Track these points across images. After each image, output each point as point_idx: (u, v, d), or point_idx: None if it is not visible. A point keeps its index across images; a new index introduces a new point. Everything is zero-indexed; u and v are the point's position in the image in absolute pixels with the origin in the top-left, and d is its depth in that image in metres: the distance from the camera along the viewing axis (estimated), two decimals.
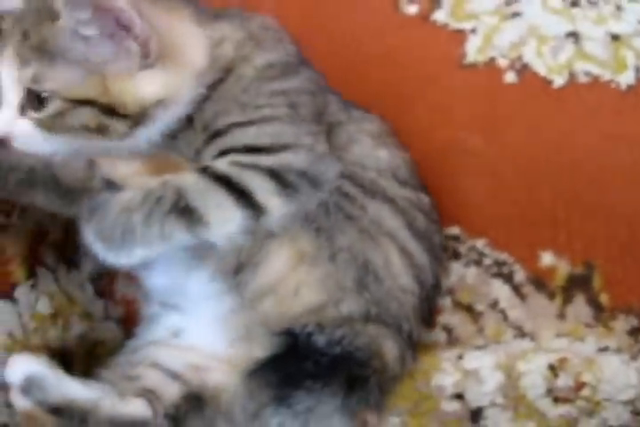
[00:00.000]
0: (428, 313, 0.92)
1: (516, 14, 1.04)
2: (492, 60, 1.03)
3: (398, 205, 0.87)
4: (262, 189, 0.77)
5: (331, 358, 0.80)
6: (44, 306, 0.92)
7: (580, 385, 0.87)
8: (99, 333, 1.00)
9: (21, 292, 0.89)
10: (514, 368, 0.89)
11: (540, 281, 0.99)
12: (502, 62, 1.03)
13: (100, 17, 0.72)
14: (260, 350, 0.82)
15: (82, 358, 0.96)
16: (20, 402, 0.82)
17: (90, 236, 0.76)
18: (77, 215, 0.78)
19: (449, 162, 1.03)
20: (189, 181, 0.77)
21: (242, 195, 0.76)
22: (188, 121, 0.80)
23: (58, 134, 0.76)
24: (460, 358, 0.91)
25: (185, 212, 0.75)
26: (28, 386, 0.81)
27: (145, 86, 0.76)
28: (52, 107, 0.75)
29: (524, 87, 1.02)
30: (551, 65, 1.02)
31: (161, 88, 0.77)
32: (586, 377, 0.87)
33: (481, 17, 1.04)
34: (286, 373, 0.81)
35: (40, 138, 0.76)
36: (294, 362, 0.81)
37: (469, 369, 0.89)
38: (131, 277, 0.98)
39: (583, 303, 0.98)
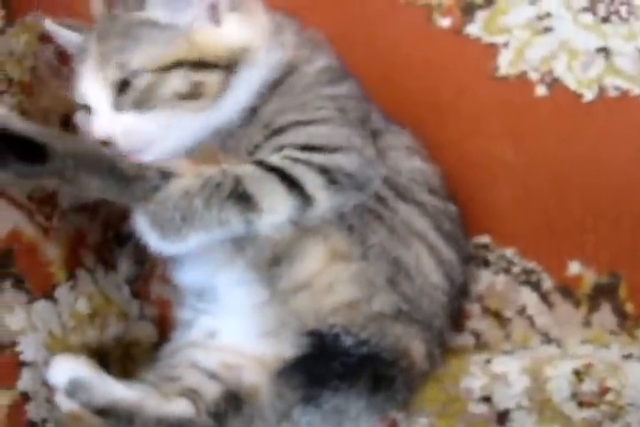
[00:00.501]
0: (456, 313, 0.93)
1: (547, 29, 1.04)
2: (524, 73, 1.04)
3: (427, 209, 0.89)
4: (312, 183, 0.80)
5: (357, 358, 0.81)
6: (82, 306, 0.94)
7: (604, 390, 0.87)
8: (134, 333, 1.01)
9: (61, 292, 0.91)
10: (540, 373, 0.89)
11: (567, 289, 0.99)
12: (533, 76, 1.04)
13: None
14: (288, 349, 0.83)
15: (118, 358, 0.97)
16: (66, 404, 0.83)
17: (144, 222, 0.78)
18: (131, 203, 0.80)
19: (480, 172, 1.03)
20: (247, 170, 0.80)
21: (293, 186, 0.79)
22: (252, 116, 0.84)
23: (152, 110, 0.80)
24: (488, 362, 0.92)
25: (242, 198, 0.78)
26: (73, 389, 0.82)
27: (230, 33, 0.82)
28: (142, 82, 0.80)
29: (554, 101, 1.03)
30: (581, 79, 1.02)
31: (243, 36, 0.83)
32: (610, 383, 0.87)
33: (513, 31, 1.05)
34: (314, 373, 0.81)
35: (137, 127, 0.81)
36: (322, 362, 0.81)
37: (497, 373, 0.90)
38: (165, 278, 1.00)
39: (609, 312, 0.97)
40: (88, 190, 0.81)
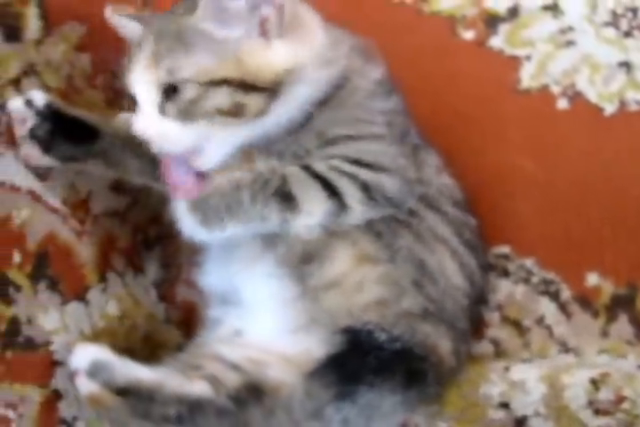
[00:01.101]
0: (476, 318, 0.95)
1: (570, 43, 1.05)
2: (546, 86, 1.05)
3: (450, 218, 0.91)
4: (352, 196, 0.83)
5: (391, 353, 0.83)
6: (112, 308, 0.96)
7: (620, 399, 0.87)
8: (160, 335, 1.03)
9: (93, 294, 0.94)
10: (558, 381, 0.89)
11: (585, 300, 0.99)
12: (555, 89, 1.04)
13: None
14: (318, 347, 0.84)
15: (144, 359, 0.95)
16: (87, 385, 0.84)
17: (185, 208, 0.82)
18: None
19: (501, 183, 1.04)
20: (294, 171, 0.83)
21: (333, 194, 0.83)
22: (302, 125, 0.85)
23: (194, 122, 0.81)
24: (507, 369, 0.92)
25: (285, 197, 0.82)
26: (95, 369, 0.83)
27: (277, 54, 0.81)
28: (189, 93, 0.80)
29: (575, 114, 1.03)
30: (603, 93, 1.03)
31: (290, 57, 0.82)
32: (626, 392, 0.87)
33: (536, 44, 1.06)
34: (349, 369, 0.83)
35: (177, 134, 0.81)
36: (356, 358, 0.83)
37: (515, 380, 0.91)
38: (190, 282, 1.02)
39: (626, 322, 0.98)
40: (130, 173, 0.85)
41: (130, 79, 0.83)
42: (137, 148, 0.83)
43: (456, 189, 0.95)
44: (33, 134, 0.83)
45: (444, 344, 0.86)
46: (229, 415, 0.82)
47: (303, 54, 0.83)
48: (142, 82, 0.82)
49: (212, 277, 0.93)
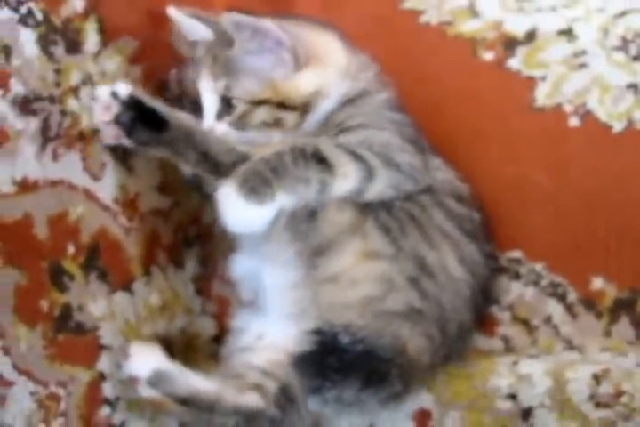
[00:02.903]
0: (481, 310, 0.96)
1: (582, 65, 1.07)
2: (559, 105, 1.06)
3: (452, 212, 0.95)
4: (372, 161, 0.89)
5: (353, 355, 0.86)
6: (155, 299, 1.00)
7: (619, 393, 0.89)
8: (196, 326, 1.06)
9: (138, 286, 0.97)
10: (562, 375, 0.91)
11: (590, 302, 1.01)
12: (568, 108, 1.06)
13: (255, 36, 0.91)
14: (294, 346, 0.89)
15: (181, 348, 1.02)
16: (148, 392, 0.88)
17: (231, 185, 0.85)
18: (220, 178, 0.88)
19: (516, 194, 1.06)
20: (325, 142, 0.90)
21: (358, 159, 0.89)
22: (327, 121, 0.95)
23: (245, 131, 0.93)
24: (515, 363, 0.94)
25: (322, 160, 0.88)
26: (156, 379, 0.87)
27: (302, 83, 0.94)
28: (239, 109, 0.93)
29: (586, 131, 1.05)
30: (612, 112, 1.04)
31: (315, 82, 0.95)
32: (625, 386, 0.89)
33: (551, 66, 1.08)
34: (315, 367, 0.87)
35: (233, 137, 0.92)
36: (321, 358, 0.87)
37: (523, 374, 0.93)
38: (225, 278, 1.05)
39: (627, 324, 1.00)
40: (188, 162, 0.91)
41: (198, 82, 0.94)
42: (196, 142, 0.90)
43: (462, 188, 0.98)
44: (117, 120, 0.89)
45: (416, 343, 0.88)
46: (279, 423, 0.87)
47: (326, 76, 0.96)
48: (207, 88, 0.94)
49: (240, 267, 0.98)
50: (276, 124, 0.94)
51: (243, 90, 0.94)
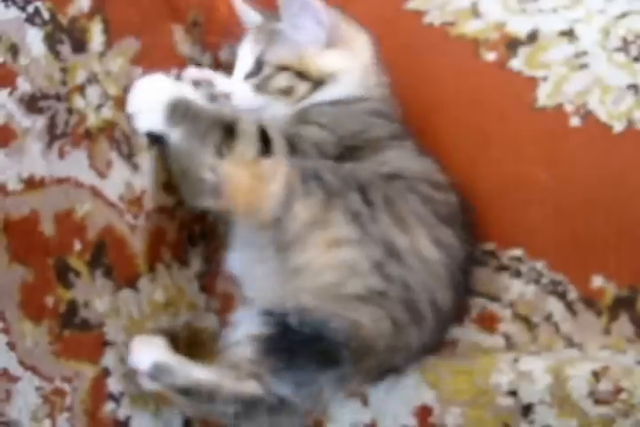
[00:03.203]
0: (463, 286, 0.97)
1: (583, 66, 1.07)
2: (560, 105, 1.07)
3: (427, 198, 0.96)
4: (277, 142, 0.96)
5: (302, 336, 0.87)
6: (159, 296, 1.00)
7: (618, 390, 0.89)
8: (200, 322, 1.07)
9: (143, 283, 0.98)
10: (562, 372, 0.91)
11: (590, 300, 1.01)
12: (569, 108, 1.06)
13: (302, 11, 1.02)
14: (253, 327, 0.92)
15: (185, 342, 1.02)
16: (150, 385, 0.90)
17: (165, 102, 0.95)
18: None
19: (516, 192, 1.06)
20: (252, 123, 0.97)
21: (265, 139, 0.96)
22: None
23: (262, 94, 1.04)
24: (516, 360, 0.95)
25: (227, 129, 0.95)
26: (156, 372, 0.89)
27: (326, 60, 1.05)
28: (265, 72, 1.04)
29: (586, 131, 1.05)
30: (612, 112, 1.04)
31: (336, 64, 1.05)
32: (624, 383, 0.89)
33: (552, 67, 1.08)
34: (272, 348, 0.89)
35: (250, 97, 1.04)
36: (275, 339, 0.89)
37: (523, 370, 0.93)
38: (227, 275, 1.06)
39: (627, 322, 0.99)
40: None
41: (239, 49, 1.08)
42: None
43: (436, 173, 1.01)
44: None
45: (376, 326, 0.88)
46: (278, 410, 0.88)
47: (347, 64, 1.04)
48: (244, 52, 1.05)
49: (232, 263, 1.02)
50: (288, 92, 1.03)
51: (275, 56, 1.04)
